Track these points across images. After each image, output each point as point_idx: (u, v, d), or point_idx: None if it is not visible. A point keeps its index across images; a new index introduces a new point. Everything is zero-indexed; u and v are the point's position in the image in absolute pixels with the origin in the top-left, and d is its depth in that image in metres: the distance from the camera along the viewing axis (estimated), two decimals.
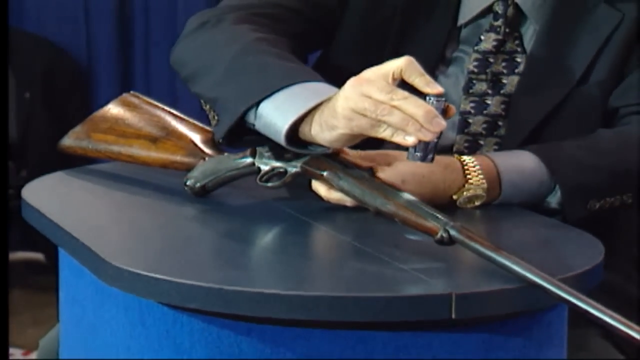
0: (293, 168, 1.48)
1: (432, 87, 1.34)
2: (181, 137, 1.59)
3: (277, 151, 1.49)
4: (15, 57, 4.39)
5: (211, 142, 1.57)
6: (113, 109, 1.64)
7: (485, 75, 1.73)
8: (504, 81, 1.73)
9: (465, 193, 1.50)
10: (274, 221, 1.48)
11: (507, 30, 1.72)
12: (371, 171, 1.44)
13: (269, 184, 1.50)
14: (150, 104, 1.64)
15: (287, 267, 1.33)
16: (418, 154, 1.37)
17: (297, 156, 1.47)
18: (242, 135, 1.51)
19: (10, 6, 4.55)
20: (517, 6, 1.72)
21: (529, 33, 1.74)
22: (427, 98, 1.34)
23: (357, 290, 1.20)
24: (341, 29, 1.76)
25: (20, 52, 4.40)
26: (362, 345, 1.20)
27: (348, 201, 1.47)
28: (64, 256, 1.46)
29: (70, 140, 1.66)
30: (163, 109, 1.63)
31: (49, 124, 4.11)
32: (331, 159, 1.45)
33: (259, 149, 1.51)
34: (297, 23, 1.72)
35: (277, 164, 1.49)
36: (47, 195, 1.57)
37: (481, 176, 1.50)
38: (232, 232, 1.45)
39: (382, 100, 1.33)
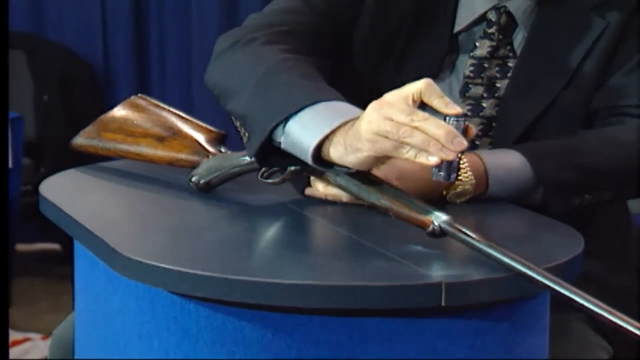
0: (292, 165, 1.46)
1: (451, 108, 1.31)
2: (186, 136, 1.59)
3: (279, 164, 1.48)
4: (35, 63, 4.40)
5: (214, 141, 1.57)
6: (121, 110, 1.64)
7: (480, 79, 1.72)
8: (498, 85, 1.72)
9: (454, 189, 1.50)
10: (274, 215, 1.48)
11: (500, 36, 1.71)
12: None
13: (270, 181, 1.50)
14: (157, 105, 1.63)
15: (287, 258, 1.32)
16: (442, 173, 1.33)
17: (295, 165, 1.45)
18: (271, 155, 1.45)
19: (31, 15, 4.56)
20: (509, 14, 1.71)
21: (519, 39, 1.73)
22: (447, 119, 1.30)
23: (353, 280, 1.20)
24: (352, 41, 1.74)
25: (39, 58, 4.41)
26: (358, 331, 1.20)
27: (344, 196, 1.47)
28: (78, 247, 1.45)
29: (81, 139, 1.66)
30: (169, 111, 1.62)
31: (65, 125, 4.11)
32: None
33: None
34: (317, 39, 1.68)
35: None
36: (63, 191, 1.57)
37: (470, 173, 1.50)
38: (235, 225, 1.45)
39: (403, 122, 1.29)
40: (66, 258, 1.49)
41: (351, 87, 1.46)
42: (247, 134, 1.47)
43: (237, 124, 1.52)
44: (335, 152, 1.36)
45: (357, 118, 1.36)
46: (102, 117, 1.64)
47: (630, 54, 1.68)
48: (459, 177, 1.49)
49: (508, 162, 1.55)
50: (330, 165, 1.38)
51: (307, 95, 1.42)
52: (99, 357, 1.39)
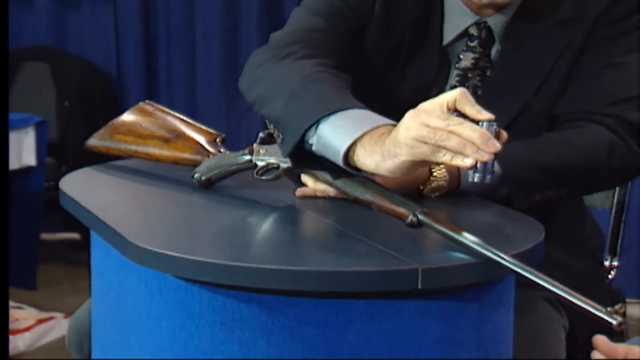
0: (285, 164, 1.46)
1: (484, 114, 1.27)
2: (189, 138, 1.58)
3: (271, 149, 1.48)
4: (57, 72, 4.40)
5: (214, 142, 1.56)
6: (131, 115, 1.63)
7: (466, 88, 1.69)
8: (479, 93, 1.69)
9: (430, 184, 1.49)
10: (268, 208, 1.47)
11: (481, 49, 1.70)
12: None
13: (264, 177, 1.49)
14: (163, 110, 1.62)
15: (280, 246, 1.32)
16: (477, 174, 1.28)
17: (325, 169, 1.43)
18: (304, 156, 1.42)
19: (54, 31, 4.56)
20: (488, 29, 1.69)
21: (494, 51, 1.71)
22: (480, 123, 1.27)
23: (339, 266, 1.19)
24: (360, 53, 1.71)
25: (61, 68, 4.41)
26: (343, 311, 1.19)
27: (332, 191, 1.46)
28: (94, 237, 1.45)
29: (95, 141, 1.65)
30: (173, 115, 1.61)
31: (84, 127, 4.11)
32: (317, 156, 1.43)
33: (255, 148, 1.50)
34: (339, 54, 1.64)
35: (272, 160, 1.48)
36: (80, 186, 1.56)
37: (444, 171, 1.49)
38: (233, 217, 1.44)
39: (440, 127, 1.26)
40: (85, 246, 1.49)
41: (357, 95, 1.43)
42: (281, 136, 1.44)
43: (271, 127, 1.49)
44: (372, 161, 1.32)
45: (387, 126, 1.33)
46: (114, 120, 1.64)
47: (589, 66, 1.66)
48: (434, 174, 1.48)
49: None
50: (359, 170, 1.35)
51: (339, 101, 1.39)
52: (112, 334, 1.38)
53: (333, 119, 1.36)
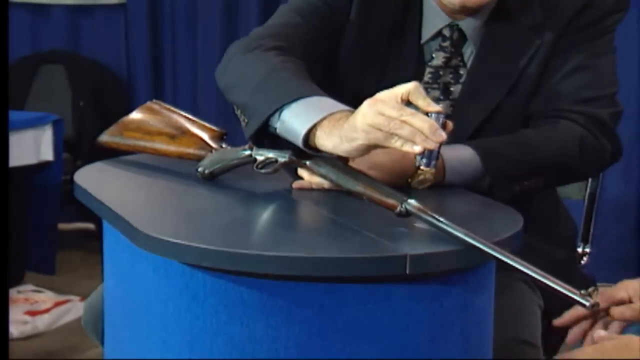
0: (282, 158, 1.45)
1: (433, 107, 1.31)
2: (193, 135, 1.57)
3: (270, 145, 1.47)
4: (72, 75, 4.41)
5: (216, 138, 1.55)
6: (139, 113, 1.62)
7: (437, 85, 1.71)
8: (452, 89, 1.70)
9: (417, 177, 1.48)
10: (267, 199, 1.46)
11: (452, 49, 1.70)
12: (344, 160, 1.42)
13: (263, 171, 1.48)
14: (168, 109, 1.61)
15: (278, 234, 1.32)
16: (424, 160, 1.34)
17: (285, 148, 1.45)
18: (266, 138, 1.46)
19: (70, 36, 4.56)
20: (460, 31, 1.69)
21: (468, 52, 1.71)
22: (430, 115, 1.30)
23: (333, 252, 1.19)
24: (339, 51, 1.72)
25: (76, 70, 4.42)
26: (337, 295, 1.19)
27: (326, 184, 1.45)
28: (106, 226, 1.44)
29: (106, 137, 1.64)
30: (179, 113, 1.61)
31: (97, 125, 4.10)
32: (313, 151, 1.42)
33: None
34: (310, 48, 1.66)
35: (270, 155, 1.47)
36: (93, 179, 1.55)
37: None
38: (235, 207, 1.43)
39: (394, 117, 1.29)
40: (99, 235, 1.48)
41: (337, 92, 1.44)
42: (246, 120, 1.47)
43: (238, 112, 1.52)
44: (331, 142, 1.35)
45: (345, 111, 1.37)
46: (123, 118, 1.63)
47: (560, 68, 1.66)
48: (421, 168, 1.47)
49: (461, 155, 1.53)
50: (317, 150, 1.38)
51: (301, 89, 1.42)
52: (123, 316, 1.38)
53: (295, 105, 1.40)
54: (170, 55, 4.44)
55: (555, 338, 1.59)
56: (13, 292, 3.53)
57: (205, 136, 1.56)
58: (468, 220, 1.26)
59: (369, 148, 1.34)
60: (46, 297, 3.52)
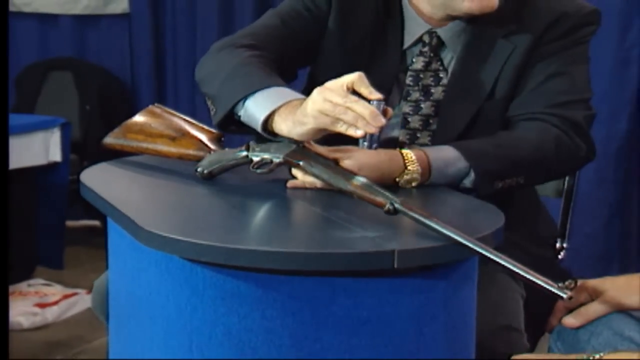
0: (277, 159, 1.45)
1: (374, 95, 1.36)
2: (193, 136, 1.56)
3: (265, 146, 1.47)
4: (79, 81, 4.41)
5: (215, 140, 1.55)
6: (142, 116, 1.61)
7: (418, 87, 1.71)
8: (432, 91, 1.71)
9: (405, 177, 1.48)
10: (263, 197, 1.45)
11: (431, 54, 1.70)
12: (336, 161, 1.42)
13: (259, 171, 1.47)
14: (170, 112, 1.61)
15: (273, 231, 1.32)
16: (366, 143, 1.42)
17: (280, 150, 1.45)
18: (232, 125, 1.54)
19: (77, 44, 4.56)
20: (439, 37, 1.70)
21: (448, 57, 1.71)
22: (371, 102, 1.36)
23: (325, 248, 1.19)
24: (322, 52, 1.74)
25: (83, 76, 4.41)
26: (329, 288, 1.19)
27: (318, 183, 1.44)
28: (110, 223, 1.43)
29: (110, 139, 1.63)
30: (179, 117, 1.60)
31: (103, 128, 4.10)
32: (306, 153, 1.43)
33: (251, 145, 1.49)
34: (286, 48, 1.71)
35: (265, 155, 1.47)
36: (98, 179, 1.54)
37: (416, 164, 1.48)
38: (232, 205, 1.43)
39: (339, 103, 1.35)
40: (104, 231, 1.47)
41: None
42: (215, 109, 1.56)
43: (209, 102, 1.59)
44: (286, 126, 1.42)
45: (299, 99, 1.43)
46: (127, 121, 1.62)
47: (536, 75, 1.67)
48: (408, 168, 1.47)
49: (446, 156, 1.53)
50: (275, 135, 1.46)
51: (263, 81, 1.50)
52: (127, 308, 1.37)
53: (257, 95, 1.48)
54: (172, 62, 4.44)
55: (537, 325, 1.59)
56: (24, 286, 3.53)
57: (204, 138, 1.55)
58: (452, 218, 1.26)
59: (319, 132, 1.40)
60: (55, 290, 3.51)
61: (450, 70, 1.70)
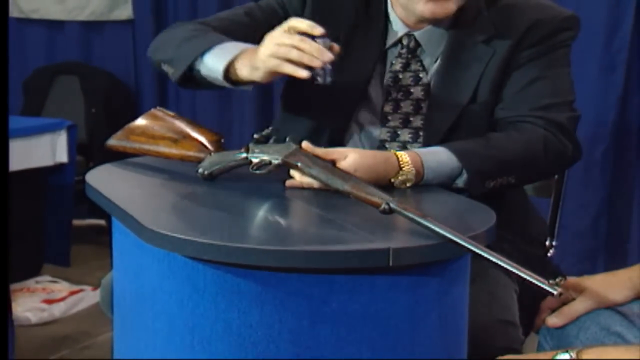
0: (276, 160, 1.45)
1: (315, 30, 1.41)
2: (193, 139, 1.56)
3: (264, 148, 1.47)
4: (85, 84, 4.40)
5: (215, 142, 1.54)
6: (144, 119, 1.60)
7: (397, 87, 1.71)
8: (412, 90, 1.71)
9: (399, 177, 1.47)
10: (262, 198, 1.45)
11: (409, 56, 1.71)
12: (333, 162, 1.42)
13: (258, 172, 1.47)
14: (171, 115, 1.60)
15: (272, 230, 1.31)
16: (319, 78, 1.43)
17: (279, 152, 1.45)
18: (191, 83, 1.61)
19: (83, 49, 4.56)
20: (416, 40, 1.71)
21: (428, 59, 1.72)
22: (317, 40, 1.40)
23: (322, 246, 1.19)
24: None
25: (89, 81, 4.41)
26: (326, 285, 1.18)
27: (316, 184, 1.44)
28: (115, 222, 1.43)
29: (113, 141, 1.62)
30: (180, 119, 1.59)
31: (108, 130, 4.06)
32: (304, 154, 1.42)
33: (251, 147, 1.48)
34: (239, 31, 1.70)
35: (264, 157, 1.46)
36: (103, 180, 1.53)
37: (410, 166, 1.48)
38: (232, 205, 1.42)
39: (285, 44, 1.41)
40: (109, 230, 1.47)
41: (298, 83, 1.50)
42: (173, 70, 1.62)
43: (165, 67, 1.65)
44: (245, 71, 1.49)
45: (256, 48, 1.49)
46: (130, 124, 1.61)
47: (518, 80, 1.66)
48: (402, 169, 1.47)
49: (439, 156, 1.53)
50: (237, 83, 1.53)
51: (218, 39, 1.57)
52: (131, 304, 1.36)
53: (215, 50, 1.55)
54: None
55: (529, 320, 1.58)
56: (31, 283, 3.53)
57: (204, 140, 1.55)
58: (446, 216, 1.26)
59: (272, 74, 1.46)
60: (61, 287, 3.50)
61: (431, 72, 1.71)
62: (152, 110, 1.61)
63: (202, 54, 1.56)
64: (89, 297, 3.43)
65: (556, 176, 2.06)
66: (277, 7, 1.75)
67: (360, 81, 1.70)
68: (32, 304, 3.30)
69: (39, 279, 3.58)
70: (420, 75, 1.71)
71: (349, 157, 1.42)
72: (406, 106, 1.70)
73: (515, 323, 1.58)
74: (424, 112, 1.70)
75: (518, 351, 1.54)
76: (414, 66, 1.71)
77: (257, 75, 1.47)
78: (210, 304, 1.20)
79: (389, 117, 1.71)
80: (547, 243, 1.97)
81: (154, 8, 4.40)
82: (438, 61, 1.70)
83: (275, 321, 1.18)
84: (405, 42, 1.71)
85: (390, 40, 1.73)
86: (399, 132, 1.71)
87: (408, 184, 1.48)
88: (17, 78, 4.42)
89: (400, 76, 1.71)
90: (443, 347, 1.26)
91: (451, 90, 1.68)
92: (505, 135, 1.62)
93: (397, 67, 1.72)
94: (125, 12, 4.47)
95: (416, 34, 1.70)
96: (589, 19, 3.36)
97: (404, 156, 1.48)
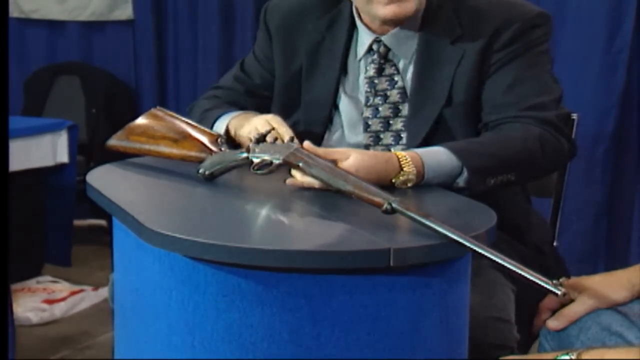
0: (277, 160, 1.45)
1: (285, 136, 1.54)
2: (194, 139, 1.56)
3: (265, 148, 1.47)
4: (86, 85, 4.40)
5: (215, 142, 1.55)
6: (144, 119, 1.60)
7: (375, 92, 1.73)
8: (388, 94, 1.72)
9: (401, 177, 1.47)
10: (263, 198, 1.45)
11: (382, 61, 1.73)
12: (334, 162, 1.41)
13: (259, 172, 1.47)
14: (171, 115, 1.60)
15: (273, 230, 1.31)
16: None
17: (279, 151, 1.45)
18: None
19: (83, 49, 4.56)
20: (385, 45, 1.72)
21: (401, 62, 1.73)
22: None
23: (323, 246, 1.19)
24: (275, 78, 1.85)
25: (89, 81, 4.41)
26: (327, 285, 1.18)
27: (317, 184, 1.43)
28: (115, 222, 1.42)
29: (114, 141, 1.62)
30: (181, 119, 1.60)
31: (109, 130, 4.06)
32: (305, 154, 1.42)
33: (252, 147, 1.49)
34: (252, 95, 1.87)
35: (265, 157, 1.46)
36: (103, 180, 1.53)
37: (412, 165, 1.48)
38: (233, 205, 1.42)
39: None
40: (110, 230, 1.47)
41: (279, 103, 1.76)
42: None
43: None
44: (241, 131, 1.64)
45: (247, 113, 1.69)
46: (130, 124, 1.61)
47: (499, 83, 1.66)
48: (403, 169, 1.47)
49: (438, 156, 1.52)
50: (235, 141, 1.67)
51: (220, 111, 1.76)
52: (132, 304, 1.36)
53: (222, 118, 1.73)
54: (173, 67, 4.44)
55: (530, 319, 1.58)
56: (32, 283, 3.52)
57: (205, 140, 1.55)
58: (447, 216, 1.25)
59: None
60: (62, 287, 3.50)
61: (406, 75, 1.72)
62: (153, 110, 1.61)
63: (214, 122, 1.75)
64: (90, 297, 3.43)
65: (556, 176, 2.06)
66: (259, 54, 1.87)
67: (331, 92, 1.75)
68: (32, 304, 3.30)
69: (39, 279, 3.58)
70: (396, 78, 1.72)
71: (351, 157, 1.42)
72: (385, 110, 1.72)
73: (509, 321, 1.57)
74: (404, 115, 1.71)
75: (512, 349, 1.54)
76: (388, 70, 1.73)
77: (244, 133, 1.64)
78: (211, 304, 1.20)
79: (370, 122, 1.73)
80: (547, 245, 1.97)
81: (154, 8, 4.40)
82: (411, 64, 1.71)
83: (275, 321, 1.18)
84: (375, 47, 1.73)
85: (361, 50, 1.75)
86: (381, 136, 1.72)
87: (409, 184, 1.47)
88: (17, 78, 4.42)
89: (376, 81, 1.73)
90: (444, 347, 1.25)
91: (427, 92, 1.69)
92: (503, 134, 1.61)
93: (371, 72, 1.74)
94: (125, 12, 4.47)
95: (383, 38, 1.72)
96: (590, 19, 3.37)
97: (405, 156, 1.48)
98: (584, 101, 3.27)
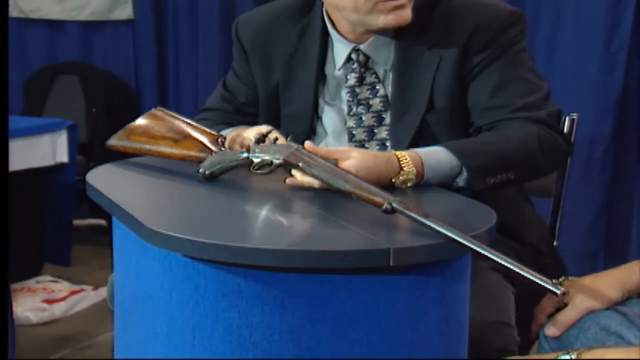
0: (277, 160, 1.45)
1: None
2: (194, 139, 1.56)
3: (265, 148, 1.47)
4: (86, 85, 4.40)
5: (216, 142, 1.55)
6: (145, 119, 1.60)
7: (357, 101, 1.73)
8: (371, 103, 1.72)
9: (401, 178, 1.47)
10: (263, 198, 1.45)
11: (362, 70, 1.72)
12: (334, 162, 1.41)
13: (260, 172, 1.47)
14: (172, 115, 1.60)
15: (273, 229, 1.31)
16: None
17: (280, 151, 1.45)
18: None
19: (84, 49, 4.56)
20: (364, 53, 1.72)
21: (381, 71, 1.73)
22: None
23: (323, 246, 1.18)
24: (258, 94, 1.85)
25: (89, 81, 4.41)
26: (327, 285, 1.18)
27: (317, 184, 1.43)
28: (115, 222, 1.42)
29: (114, 141, 1.62)
30: (181, 119, 1.59)
31: (109, 130, 4.07)
32: (306, 154, 1.42)
33: (252, 147, 1.49)
34: (241, 113, 1.87)
35: (266, 157, 1.46)
36: (103, 180, 1.53)
37: (412, 166, 1.48)
38: (233, 205, 1.42)
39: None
40: (110, 230, 1.47)
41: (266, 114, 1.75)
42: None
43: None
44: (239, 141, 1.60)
45: (239, 129, 1.66)
46: (130, 124, 1.61)
47: (483, 87, 1.65)
48: (403, 169, 1.47)
49: (438, 156, 1.52)
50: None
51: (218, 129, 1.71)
52: (132, 304, 1.36)
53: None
54: (174, 67, 4.44)
55: (529, 321, 1.58)
56: (32, 283, 3.52)
57: (205, 140, 1.55)
58: (447, 216, 1.25)
59: None
60: (62, 287, 3.50)
61: (387, 84, 1.72)
62: (153, 110, 1.61)
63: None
64: (90, 297, 3.43)
65: (556, 176, 2.06)
66: (239, 71, 1.86)
67: (310, 104, 1.74)
68: (32, 303, 3.30)
69: (39, 278, 3.58)
70: (377, 87, 1.72)
71: (351, 158, 1.42)
72: (368, 119, 1.72)
73: (510, 324, 1.57)
74: (387, 124, 1.71)
75: (514, 352, 1.54)
76: (369, 79, 1.72)
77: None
78: (211, 303, 1.20)
79: (354, 132, 1.73)
80: (545, 244, 1.97)
81: (155, 8, 4.40)
82: (391, 71, 1.71)
83: (275, 321, 1.18)
84: (354, 57, 1.72)
85: (339, 60, 1.74)
86: (366, 146, 1.72)
87: (409, 184, 1.47)
88: (17, 78, 4.42)
89: (358, 90, 1.73)
90: (444, 347, 1.25)
91: (408, 99, 1.68)
92: (501, 133, 1.61)
93: (353, 82, 1.73)
94: (125, 12, 4.47)
95: (362, 47, 1.71)
96: (589, 19, 3.37)
97: (405, 156, 1.48)
98: (583, 101, 3.27)
